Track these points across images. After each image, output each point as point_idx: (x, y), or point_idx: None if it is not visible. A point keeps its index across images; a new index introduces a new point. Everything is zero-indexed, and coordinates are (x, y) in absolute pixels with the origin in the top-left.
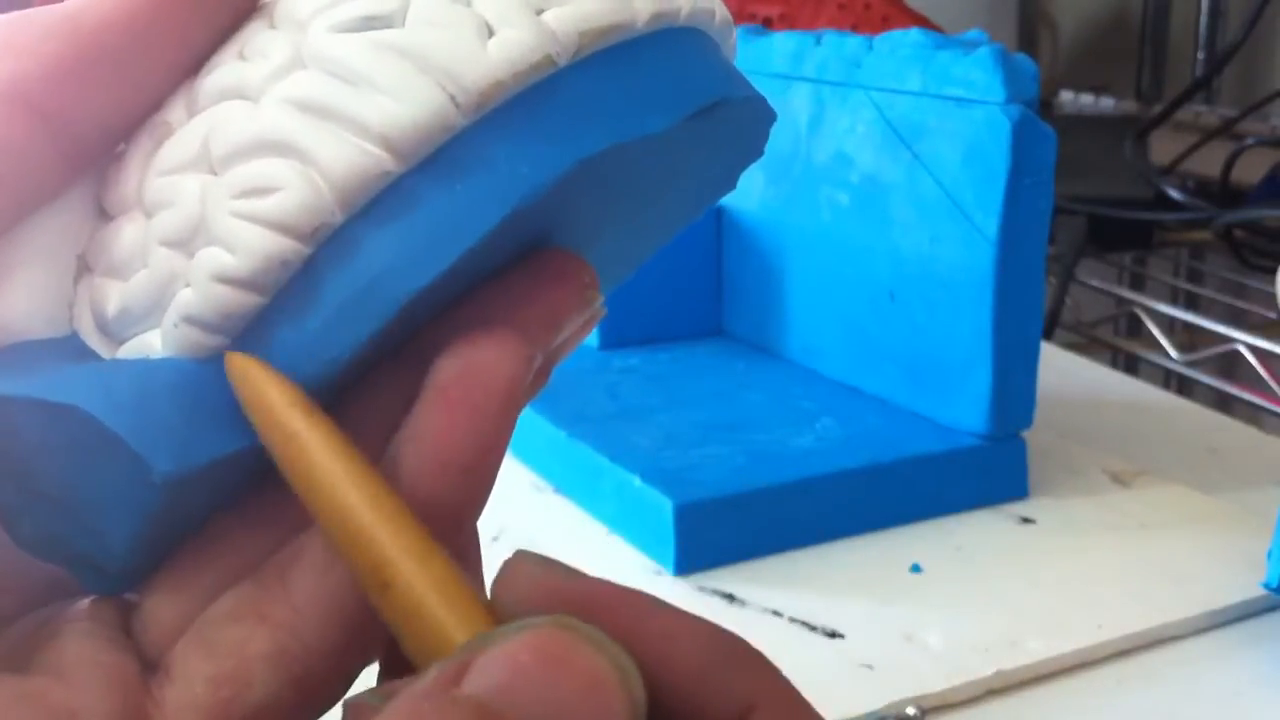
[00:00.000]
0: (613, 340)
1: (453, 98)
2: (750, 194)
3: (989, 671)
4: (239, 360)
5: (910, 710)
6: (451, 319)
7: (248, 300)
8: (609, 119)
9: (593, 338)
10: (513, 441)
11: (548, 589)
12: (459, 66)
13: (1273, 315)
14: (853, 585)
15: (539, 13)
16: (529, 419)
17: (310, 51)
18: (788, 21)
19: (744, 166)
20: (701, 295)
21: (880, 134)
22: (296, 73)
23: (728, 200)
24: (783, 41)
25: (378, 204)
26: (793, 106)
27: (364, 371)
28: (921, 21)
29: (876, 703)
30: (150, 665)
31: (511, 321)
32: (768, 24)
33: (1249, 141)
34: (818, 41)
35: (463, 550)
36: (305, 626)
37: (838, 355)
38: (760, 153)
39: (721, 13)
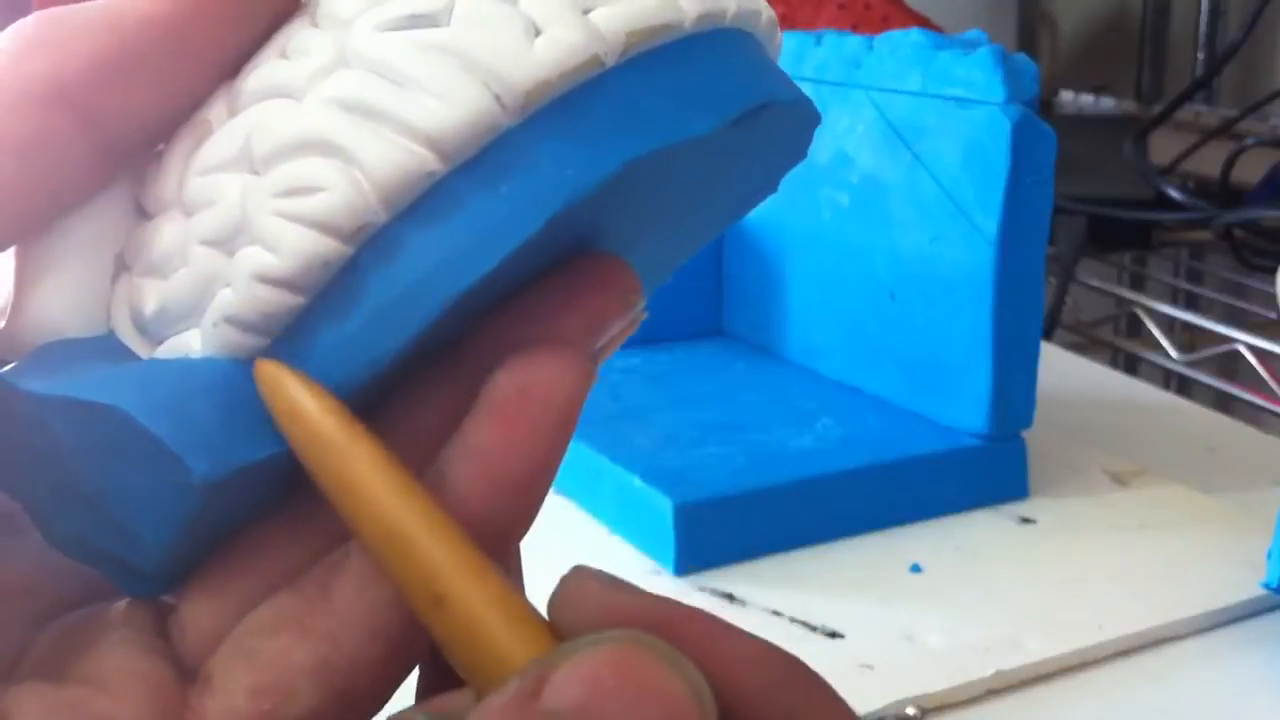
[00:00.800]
0: None
1: (498, 98)
2: None
3: (989, 671)
4: (270, 368)
5: (910, 710)
6: (495, 324)
7: (289, 300)
8: (656, 121)
9: None
10: None
11: (612, 607)
12: (505, 66)
13: (1273, 315)
14: (853, 585)
15: (586, 12)
16: None
17: (354, 50)
18: (788, 21)
19: (787, 169)
20: (701, 295)
21: (880, 134)
22: (340, 72)
23: None
24: (783, 41)
25: (421, 205)
26: None
27: (404, 376)
28: (921, 21)
29: (876, 703)
30: (187, 672)
31: (555, 327)
32: None
33: (1249, 141)
34: (818, 41)
35: (506, 568)
36: (348, 639)
37: (838, 355)
38: (803, 155)
39: (767, 13)
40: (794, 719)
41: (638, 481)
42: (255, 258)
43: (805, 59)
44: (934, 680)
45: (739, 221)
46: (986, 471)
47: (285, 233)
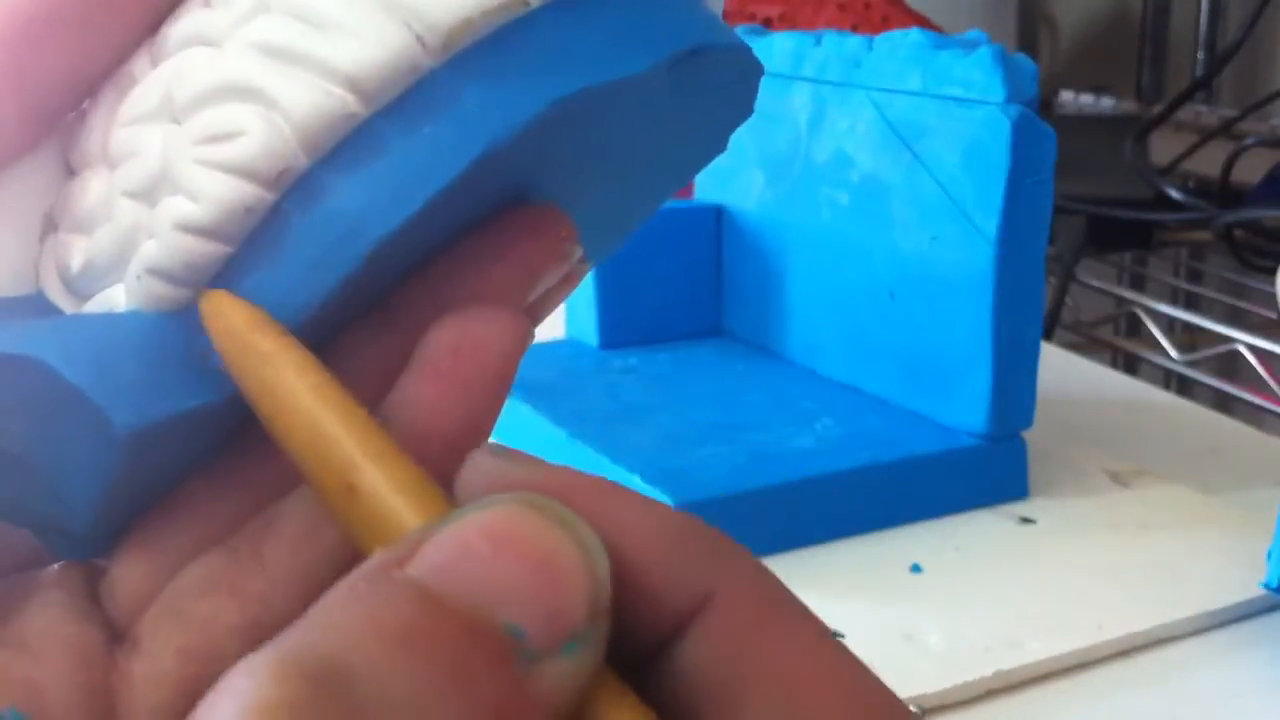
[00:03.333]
0: (613, 340)
1: (419, 37)
2: (750, 194)
3: (989, 671)
4: (212, 296)
5: (910, 710)
6: (427, 278)
7: (211, 250)
8: (584, 61)
9: (593, 337)
10: (513, 441)
11: (509, 478)
12: (426, 5)
13: (1273, 315)
14: (853, 585)
15: None
16: (529, 419)
17: None
18: (788, 21)
19: (734, 126)
20: (701, 295)
21: (880, 134)
22: (260, 17)
23: (728, 200)
24: (783, 41)
25: (344, 148)
26: (793, 106)
27: (338, 327)
28: (921, 21)
29: None
30: (118, 634)
31: (488, 279)
32: (768, 24)
33: (1249, 141)
34: (818, 41)
35: None
36: (279, 600)
37: (838, 355)
38: (750, 111)
39: None
40: (694, 583)
41: (638, 481)
42: (177, 207)
43: (805, 59)
44: (934, 680)
45: (689, 181)
46: (986, 471)
47: (206, 180)
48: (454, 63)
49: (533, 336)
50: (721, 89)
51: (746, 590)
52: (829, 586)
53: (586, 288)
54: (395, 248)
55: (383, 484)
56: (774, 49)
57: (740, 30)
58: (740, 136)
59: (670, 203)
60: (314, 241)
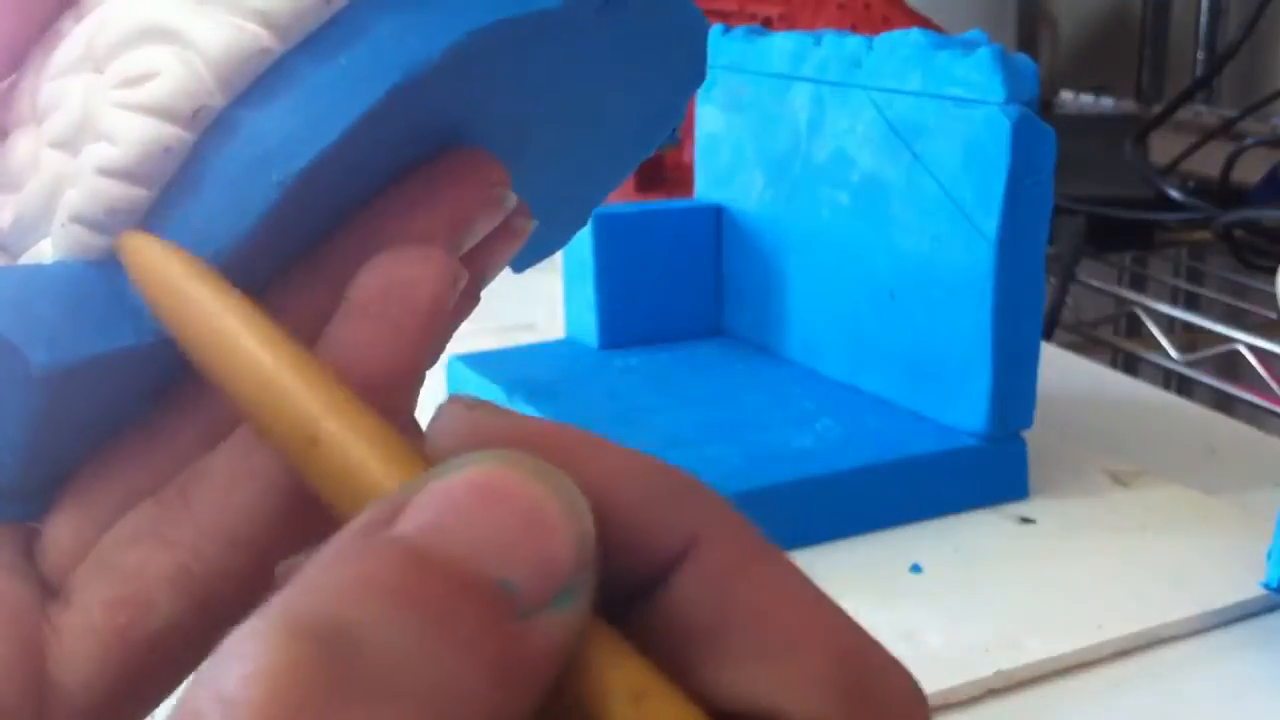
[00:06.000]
0: (613, 340)
1: None
2: (750, 194)
3: (989, 671)
4: (131, 239)
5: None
6: (354, 222)
7: (132, 193)
8: None
9: (593, 337)
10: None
11: (485, 431)
12: None
13: (1273, 315)
14: (853, 585)
15: None
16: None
17: None
18: (788, 21)
19: (687, 92)
20: (701, 295)
21: (880, 134)
22: None
23: (728, 200)
24: (783, 41)
25: (260, 84)
26: (793, 106)
27: (267, 276)
28: (921, 21)
29: None
30: (51, 591)
31: (415, 220)
32: (768, 24)
33: (1249, 141)
34: (818, 41)
35: None
36: (209, 547)
37: (838, 355)
38: (702, 75)
39: None
40: (678, 529)
41: None
42: (97, 152)
43: (805, 59)
44: (934, 680)
45: (650, 153)
46: (986, 471)
47: (123, 122)
48: None
49: (465, 278)
50: (664, 43)
51: (730, 534)
52: (829, 586)
53: (587, 288)
54: (318, 185)
55: (348, 435)
56: (774, 49)
57: (740, 30)
58: (740, 136)
59: (670, 203)
60: (232, 176)
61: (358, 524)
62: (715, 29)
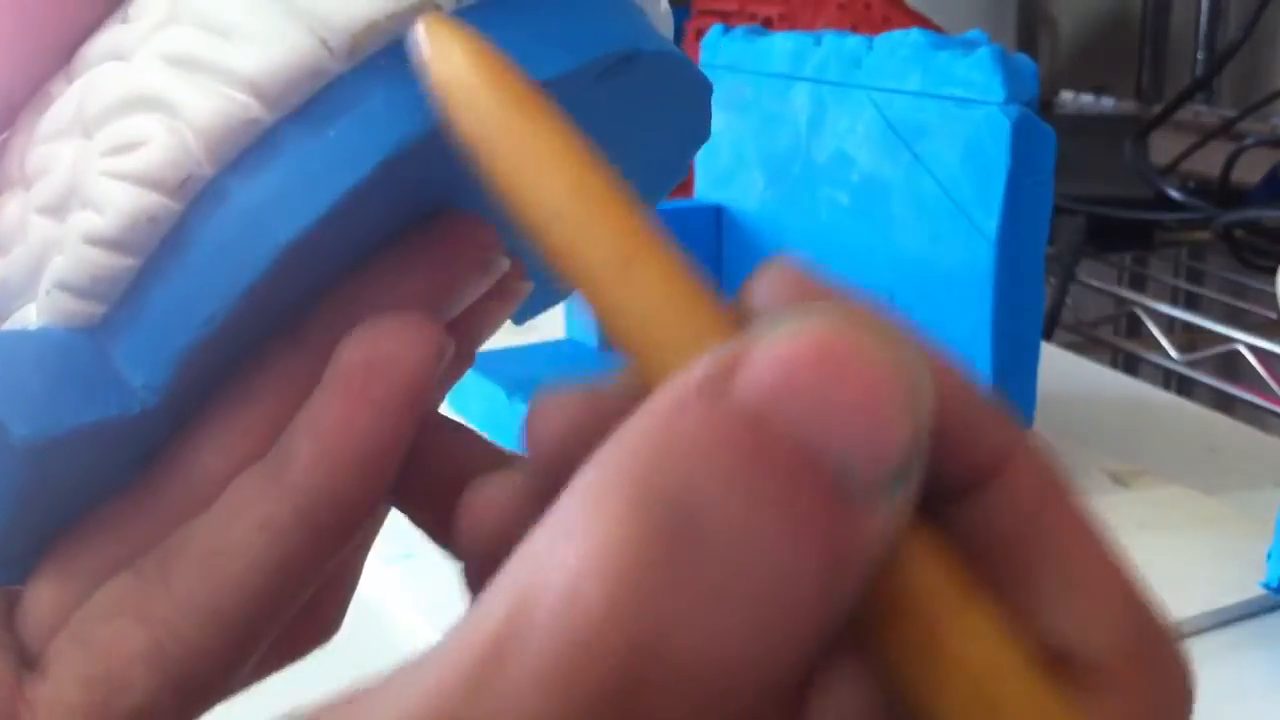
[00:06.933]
0: None
1: (324, 41)
2: (750, 194)
3: None
4: (429, 22)
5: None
6: (339, 291)
7: (117, 262)
8: None
9: (593, 338)
10: (514, 441)
11: (811, 288)
12: (330, 9)
13: (1273, 315)
14: None
15: None
16: None
17: (184, 6)
18: (788, 21)
19: (691, 151)
20: None
21: (880, 134)
22: (169, 27)
23: (728, 200)
24: (783, 41)
25: (249, 155)
26: (793, 106)
27: (257, 344)
28: (921, 21)
29: None
30: (29, 660)
31: (401, 289)
32: (768, 24)
33: (1249, 141)
34: (818, 41)
35: (343, 564)
36: (184, 625)
37: None
38: (706, 134)
39: None
40: (994, 444)
41: None
42: (84, 220)
43: (805, 59)
44: None
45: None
46: None
47: (111, 191)
48: (361, 67)
49: (451, 349)
50: (666, 104)
51: (1041, 464)
52: None
53: None
54: (306, 254)
55: (664, 259)
56: (774, 49)
57: (740, 30)
58: (740, 136)
59: (670, 203)
60: (219, 247)
61: (694, 378)
62: (715, 29)
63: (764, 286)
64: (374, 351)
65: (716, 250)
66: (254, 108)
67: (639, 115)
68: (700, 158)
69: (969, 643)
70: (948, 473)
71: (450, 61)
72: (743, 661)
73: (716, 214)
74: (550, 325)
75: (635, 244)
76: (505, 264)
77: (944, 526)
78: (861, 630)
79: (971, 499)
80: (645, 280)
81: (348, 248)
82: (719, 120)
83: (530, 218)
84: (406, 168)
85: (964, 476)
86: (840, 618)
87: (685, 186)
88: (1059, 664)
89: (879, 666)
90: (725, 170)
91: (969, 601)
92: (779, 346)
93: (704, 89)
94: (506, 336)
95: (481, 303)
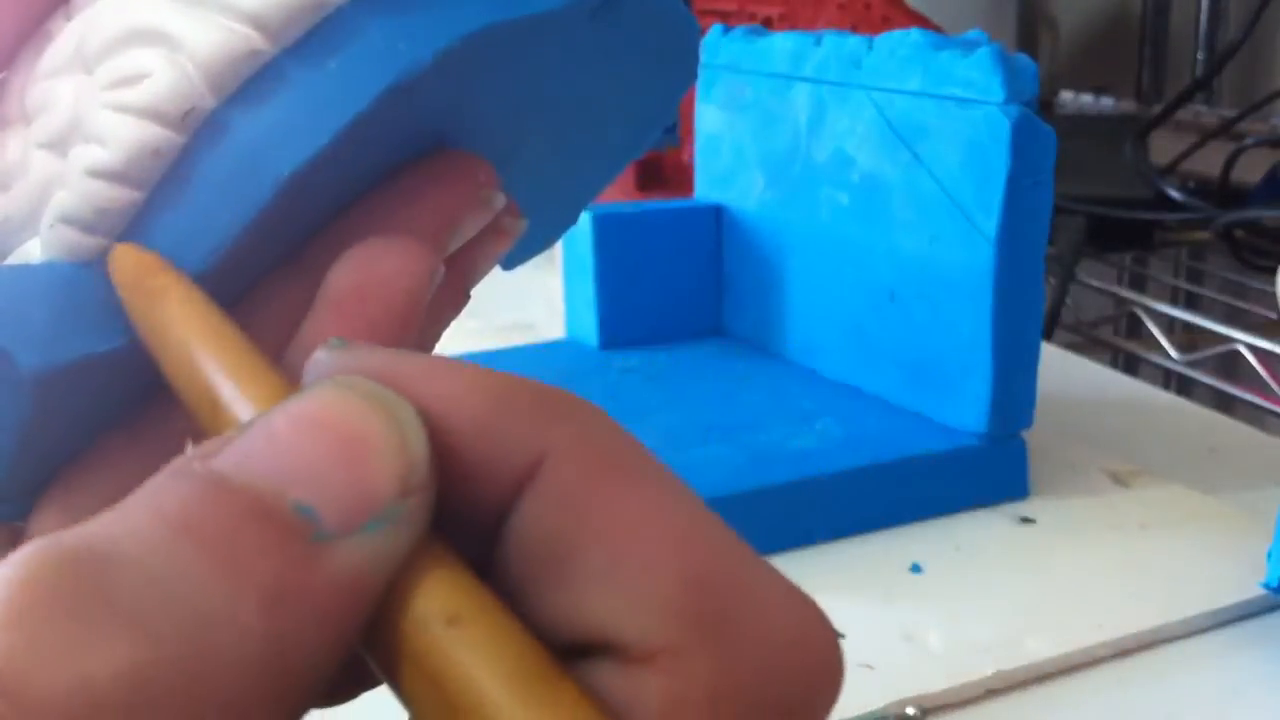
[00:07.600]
0: (613, 340)
1: None
2: (750, 194)
3: (989, 671)
4: (118, 250)
5: (910, 710)
6: (338, 221)
7: (122, 195)
8: None
9: (593, 337)
10: None
11: (340, 368)
12: None
13: (1273, 315)
14: (853, 585)
15: None
16: None
17: None
18: (788, 21)
19: (678, 93)
20: (701, 295)
21: (880, 134)
22: None
23: (728, 200)
24: (783, 41)
25: (250, 87)
26: (793, 106)
27: (255, 278)
28: (921, 21)
29: (877, 702)
30: None
31: (398, 220)
32: (768, 24)
33: (1249, 141)
34: (818, 41)
35: None
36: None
37: (838, 355)
38: (693, 76)
39: None
40: (524, 446)
41: None
42: (87, 154)
43: (805, 59)
44: (934, 680)
45: (642, 153)
46: (986, 471)
47: (114, 124)
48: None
49: (442, 271)
50: (655, 44)
51: (578, 448)
52: (829, 586)
53: (587, 287)
54: (306, 188)
55: (240, 396)
56: (774, 49)
57: (740, 30)
58: (740, 136)
59: (670, 203)
60: (221, 179)
61: (177, 460)
62: (715, 29)
63: (309, 373)
64: (365, 272)
65: (716, 250)
66: (256, 40)
67: (629, 55)
68: (700, 158)
69: (448, 660)
70: (485, 492)
71: (119, 269)
72: (159, 687)
73: (716, 214)
74: (550, 325)
75: (216, 392)
76: (502, 200)
77: (502, 542)
78: (374, 654)
79: (516, 509)
80: (224, 418)
81: (349, 182)
82: (719, 120)
83: (171, 384)
84: (406, 99)
85: (503, 490)
86: (320, 641)
87: (685, 186)
88: (607, 654)
89: (395, 692)
90: (725, 170)
91: (460, 619)
92: (262, 418)
93: (691, 28)
94: (506, 337)
95: (477, 240)
